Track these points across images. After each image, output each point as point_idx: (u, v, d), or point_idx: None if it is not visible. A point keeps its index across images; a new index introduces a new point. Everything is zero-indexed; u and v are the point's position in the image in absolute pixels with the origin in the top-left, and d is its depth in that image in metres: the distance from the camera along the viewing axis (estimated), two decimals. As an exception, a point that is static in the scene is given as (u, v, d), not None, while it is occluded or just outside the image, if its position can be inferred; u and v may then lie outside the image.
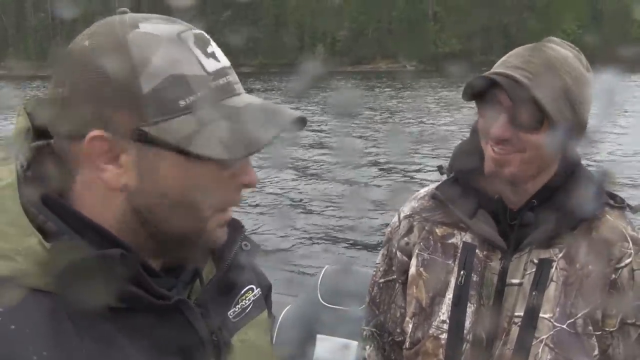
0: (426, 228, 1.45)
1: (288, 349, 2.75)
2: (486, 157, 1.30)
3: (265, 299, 1.03)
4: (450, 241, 1.41)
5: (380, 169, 12.35)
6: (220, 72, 0.79)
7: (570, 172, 1.34)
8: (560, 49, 1.29)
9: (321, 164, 13.24)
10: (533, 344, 1.30)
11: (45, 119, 0.80)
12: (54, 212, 0.76)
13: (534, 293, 1.31)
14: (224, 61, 0.81)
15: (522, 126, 1.24)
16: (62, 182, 0.79)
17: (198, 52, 0.78)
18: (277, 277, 6.49)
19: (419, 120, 18.47)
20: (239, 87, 0.82)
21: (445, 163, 1.49)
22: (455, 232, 1.41)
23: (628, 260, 1.31)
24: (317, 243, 8.09)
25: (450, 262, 1.40)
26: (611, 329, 1.32)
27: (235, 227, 0.92)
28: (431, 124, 17.88)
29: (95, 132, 0.74)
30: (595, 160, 10.58)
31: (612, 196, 1.38)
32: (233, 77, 0.82)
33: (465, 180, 1.40)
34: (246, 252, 0.95)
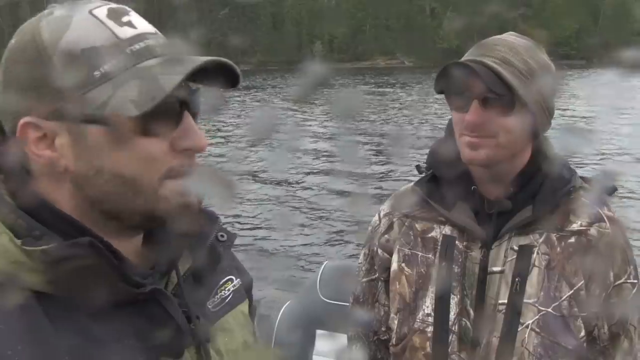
0: (406, 224, 1.47)
1: (288, 344, 2.76)
2: (462, 146, 1.33)
3: (247, 292, 1.03)
4: (430, 235, 1.43)
5: (383, 165, 12.36)
6: (136, 38, 0.79)
7: (543, 159, 1.36)
8: (521, 39, 1.34)
9: (323, 160, 13.24)
10: (519, 329, 1.31)
11: None
12: (21, 208, 0.77)
13: (517, 279, 1.32)
14: (143, 28, 0.81)
15: (494, 110, 1.27)
16: (21, 177, 0.79)
17: (111, 23, 0.78)
18: (276, 273, 6.53)
19: (420, 118, 18.47)
20: (163, 49, 0.80)
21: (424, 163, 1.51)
22: (435, 226, 1.43)
23: (607, 240, 1.35)
24: (318, 238, 8.10)
25: (430, 255, 1.42)
26: (594, 309, 1.34)
27: (210, 218, 0.92)
28: (432, 123, 17.88)
29: (24, 119, 0.75)
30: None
31: (587, 179, 1.41)
32: (155, 40, 0.80)
33: (442, 174, 1.42)
34: (222, 242, 0.95)
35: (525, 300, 1.32)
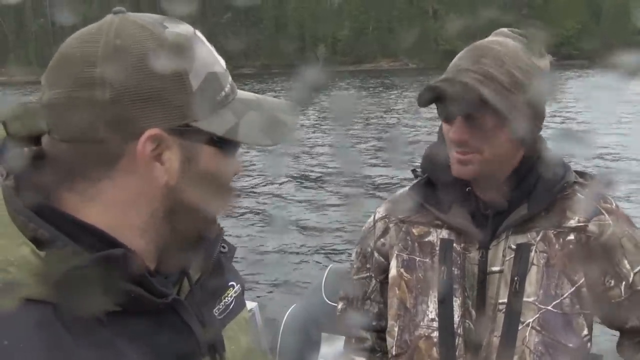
0: (403, 229, 1.46)
1: (293, 348, 2.76)
2: (451, 160, 1.33)
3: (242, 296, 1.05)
4: (427, 239, 1.42)
5: (384, 167, 12.35)
6: (226, 69, 0.83)
7: (537, 157, 1.35)
8: (509, 43, 1.30)
9: (324, 162, 13.25)
10: (520, 328, 1.31)
11: (67, 121, 0.75)
12: (45, 219, 0.74)
13: (515, 278, 1.32)
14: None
15: (478, 128, 1.27)
16: (55, 188, 0.77)
17: (213, 50, 0.81)
18: (281, 277, 6.52)
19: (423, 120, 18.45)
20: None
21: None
22: (432, 230, 1.42)
23: (610, 231, 1.33)
24: (323, 242, 8.09)
25: (428, 260, 1.41)
26: (618, 299, 1.33)
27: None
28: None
29: (151, 132, 0.74)
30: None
31: (582, 174, 1.40)
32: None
33: (436, 178, 1.42)
34: (224, 253, 0.98)
35: (525, 299, 1.31)
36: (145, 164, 0.75)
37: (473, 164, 1.30)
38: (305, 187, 11.29)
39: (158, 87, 0.73)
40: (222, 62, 0.82)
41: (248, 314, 1.03)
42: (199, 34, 0.80)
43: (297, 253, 7.66)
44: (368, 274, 1.54)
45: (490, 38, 1.34)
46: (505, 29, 1.34)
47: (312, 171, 12.68)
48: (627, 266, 1.33)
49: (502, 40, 1.31)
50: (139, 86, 0.72)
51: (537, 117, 1.30)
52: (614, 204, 1.37)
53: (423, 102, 1.32)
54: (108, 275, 0.72)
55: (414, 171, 1.49)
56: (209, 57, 0.79)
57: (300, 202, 10.27)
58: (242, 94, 0.84)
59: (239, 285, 1.01)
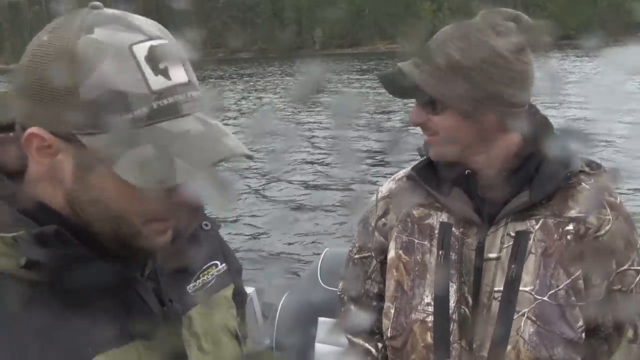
0: (403, 210, 1.45)
1: (290, 332, 2.76)
2: None
3: (235, 277, 1.05)
4: (427, 222, 1.40)
5: (384, 155, 12.34)
6: (167, 91, 0.76)
7: (539, 141, 1.32)
8: (469, 24, 1.27)
9: (323, 147, 13.23)
10: (515, 317, 1.28)
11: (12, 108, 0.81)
12: (8, 200, 0.79)
13: (512, 266, 1.29)
14: (178, 78, 0.78)
15: (426, 109, 1.29)
16: (16, 172, 0.82)
17: (146, 69, 0.75)
18: (277, 262, 6.52)
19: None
20: (190, 106, 0.79)
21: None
22: (432, 212, 1.40)
23: (608, 227, 1.30)
24: (318, 226, 8.09)
25: (426, 242, 1.39)
26: (597, 298, 1.30)
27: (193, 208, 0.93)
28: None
29: (33, 130, 0.75)
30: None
31: (588, 162, 1.36)
32: (184, 95, 0.78)
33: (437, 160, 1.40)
34: (206, 231, 0.99)
35: (521, 288, 1.29)
36: (36, 158, 0.78)
37: (433, 145, 1.33)
38: (299, 172, 11.27)
39: (48, 90, 0.74)
40: (160, 85, 0.76)
41: (231, 293, 1.04)
42: (141, 47, 0.76)
43: (292, 237, 7.66)
44: (369, 253, 1.52)
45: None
46: (487, 10, 1.30)
47: (309, 153, 12.66)
48: (613, 266, 1.30)
49: (467, 21, 1.28)
50: (34, 84, 0.75)
51: (502, 100, 1.25)
52: (618, 199, 1.34)
53: (386, 87, 1.35)
54: (56, 253, 0.76)
55: (419, 150, 1.45)
56: (123, 75, 0.74)
57: (293, 186, 10.26)
58: (185, 124, 0.77)
59: (223, 264, 1.02)
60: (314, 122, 16.15)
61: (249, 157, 0.80)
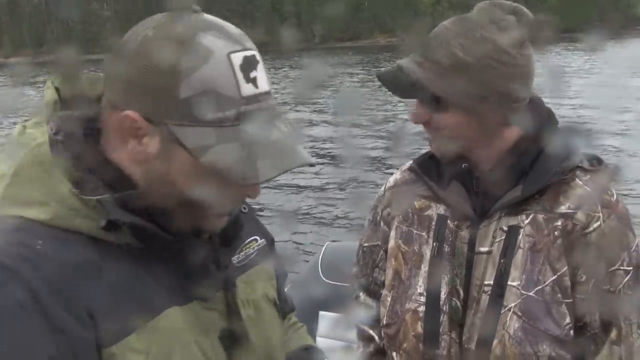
0: (403, 202, 1.46)
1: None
2: None
3: (270, 248, 1.17)
4: (426, 213, 1.41)
5: (385, 149, 12.34)
6: (254, 98, 0.86)
7: (537, 135, 1.30)
8: (469, 18, 1.26)
9: (324, 139, 13.23)
10: (502, 312, 1.28)
11: (94, 87, 0.94)
12: (86, 166, 0.88)
13: (502, 261, 1.29)
14: (263, 87, 0.88)
15: (429, 107, 1.28)
16: (90, 144, 0.91)
17: (240, 76, 0.85)
18: (278, 255, 6.53)
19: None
20: (269, 114, 0.88)
21: None
22: (432, 204, 1.40)
23: (596, 225, 1.28)
24: (319, 220, 8.11)
25: (424, 233, 1.40)
26: (583, 296, 1.28)
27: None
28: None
29: (129, 113, 0.84)
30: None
31: (590, 158, 1.34)
32: (265, 103, 0.88)
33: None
34: (245, 214, 1.10)
35: (509, 283, 1.28)
36: (121, 136, 0.87)
37: (436, 142, 1.32)
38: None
39: (151, 81, 0.83)
40: (249, 92, 0.85)
41: (271, 266, 1.15)
42: (237, 55, 0.85)
43: (294, 230, 7.66)
44: (378, 242, 1.54)
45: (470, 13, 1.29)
46: (492, 2, 1.27)
47: (311, 148, 12.64)
48: (604, 265, 1.28)
49: (466, 15, 1.27)
50: (137, 74, 0.83)
51: (503, 96, 1.24)
52: (615, 197, 1.32)
53: (387, 86, 1.32)
54: (126, 212, 0.86)
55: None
56: (221, 79, 0.83)
57: (296, 179, 10.27)
58: (266, 130, 0.88)
59: (263, 239, 1.14)
60: (315, 116, 16.14)
61: (312, 166, 0.91)
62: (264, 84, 0.88)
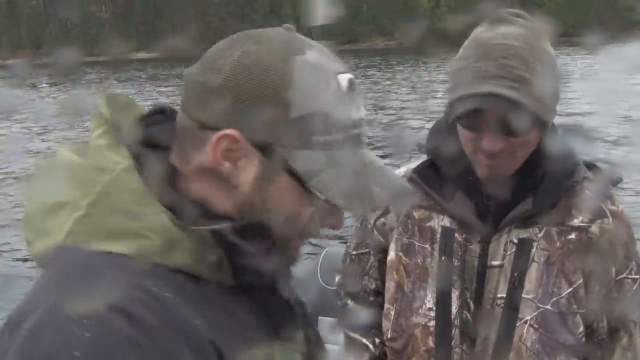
0: (403, 211, 1.43)
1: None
2: (477, 164, 1.26)
3: None
4: (428, 224, 1.38)
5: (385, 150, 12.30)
6: (358, 123, 0.82)
7: (545, 149, 1.28)
8: (517, 33, 1.19)
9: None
10: (517, 325, 1.28)
11: (183, 100, 0.82)
12: (178, 194, 0.80)
13: (515, 274, 1.29)
14: (363, 113, 0.84)
15: (515, 135, 1.19)
16: (174, 167, 0.82)
17: (347, 98, 0.80)
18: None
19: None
20: (364, 139, 0.85)
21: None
22: (434, 215, 1.37)
23: (608, 236, 1.29)
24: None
25: (427, 245, 1.37)
26: (593, 305, 1.29)
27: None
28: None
29: (229, 132, 0.76)
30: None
31: (591, 167, 1.34)
32: (364, 129, 0.84)
33: (441, 162, 1.36)
34: None
35: (523, 296, 1.28)
36: (215, 158, 0.77)
37: (504, 167, 1.25)
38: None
39: (257, 98, 0.76)
40: (355, 116, 0.81)
41: None
42: (344, 77, 0.80)
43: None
44: (367, 249, 1.52)
45: (493, 30, 1.21)
46: (504, 15, 1.22)
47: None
48: (613, 274, 1.30)
49: (507, 31, 1.19)
50: (242, 89, 0.76)
51: (555, 102, 1.23)
52: (620, 207, 1.33)
53: (460, 118, 1.20)
54: (234, 250, 0.78)
55: (420, 145, 1.41)
56: (332, 100, 0.78)
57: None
58: (368, 155, 0.83)
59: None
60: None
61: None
62: (363, 110, 0.85)
